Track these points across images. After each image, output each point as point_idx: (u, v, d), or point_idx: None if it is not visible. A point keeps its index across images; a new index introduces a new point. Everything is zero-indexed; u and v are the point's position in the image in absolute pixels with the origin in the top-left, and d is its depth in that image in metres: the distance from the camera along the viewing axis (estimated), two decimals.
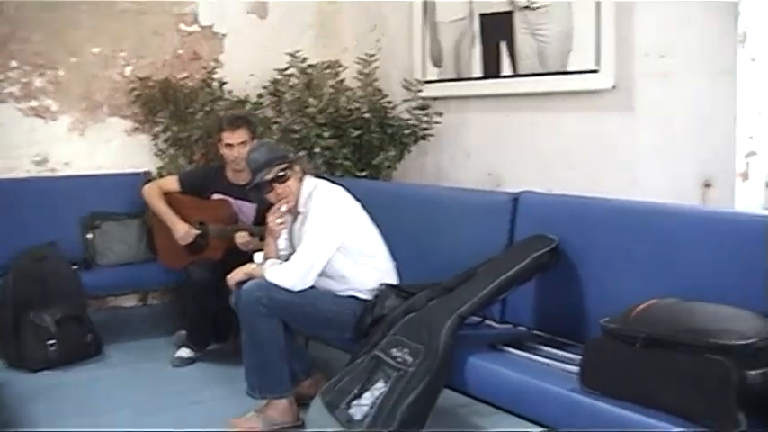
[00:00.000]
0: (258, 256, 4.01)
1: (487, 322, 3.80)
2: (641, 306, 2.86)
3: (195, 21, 5.95)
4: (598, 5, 4.41)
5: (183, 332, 5.00)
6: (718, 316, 2.73)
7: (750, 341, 2.55)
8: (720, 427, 2.48)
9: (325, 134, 5.22)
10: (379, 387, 3.27)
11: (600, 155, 4.52)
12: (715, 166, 4.00)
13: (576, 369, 2.91)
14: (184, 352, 4.90)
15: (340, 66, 5.70)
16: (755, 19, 3.87)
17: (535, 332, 3.64)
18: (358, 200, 4.01)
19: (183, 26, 5.91)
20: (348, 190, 4.02)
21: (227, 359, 4.74)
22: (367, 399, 3.28)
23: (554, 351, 3.33)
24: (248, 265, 3.98)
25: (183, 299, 5.15)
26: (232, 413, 3.93)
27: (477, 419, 3.89)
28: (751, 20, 3.87)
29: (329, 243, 3.79)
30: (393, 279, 3.94)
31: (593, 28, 4.44)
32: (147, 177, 5.54)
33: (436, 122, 5.35)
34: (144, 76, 5.69)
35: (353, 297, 3.85)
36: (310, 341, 4.70)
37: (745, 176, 3.94)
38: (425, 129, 5.37)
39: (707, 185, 4.04)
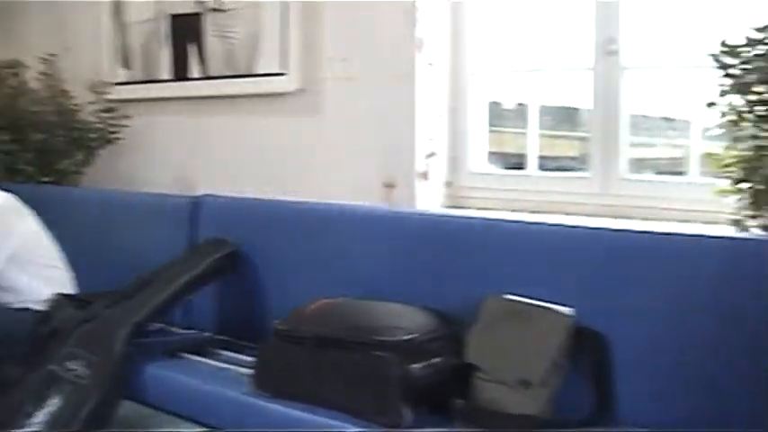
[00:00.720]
0: None
1: (172, 329, 3.72)
2: (311, 306, 2.89)
3: None
4: (285, 8, 4.43)
5: None
6: (386, 313, 2.82)
7: (412, 336, 2.65)
8: (387, 421, 2.54)
9: (4, 138, 4.94)
10: (55, 403, 3.12)
11: (289, 157, 4.54)
12: (397, 167, 4.12)
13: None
14: None
15: (21, 65, 5.40)
16: (432, 25, 4.03)
17: (219, 337, 3.60)
18: (34, 208, 3.81)
19: None
20: (24, 197, 3.82)
21: None
22: (41, 417, 3.10)
23: (234, 355, 3.31)
24: None
25: None
26: None
27: (169, 427, 3.79)
28: (428, 26, 4.02)
29: None
30: (70, 289, 3.77)
31: (280, 31, 4.46)
32: None
33: (124, 126, 5.18)
34: None
35: (28, 309, 3.65)
36: None
37: (425, 176, 4.09)
38: (112, 132, 5.19)
39: (390, 186, 4.15)
